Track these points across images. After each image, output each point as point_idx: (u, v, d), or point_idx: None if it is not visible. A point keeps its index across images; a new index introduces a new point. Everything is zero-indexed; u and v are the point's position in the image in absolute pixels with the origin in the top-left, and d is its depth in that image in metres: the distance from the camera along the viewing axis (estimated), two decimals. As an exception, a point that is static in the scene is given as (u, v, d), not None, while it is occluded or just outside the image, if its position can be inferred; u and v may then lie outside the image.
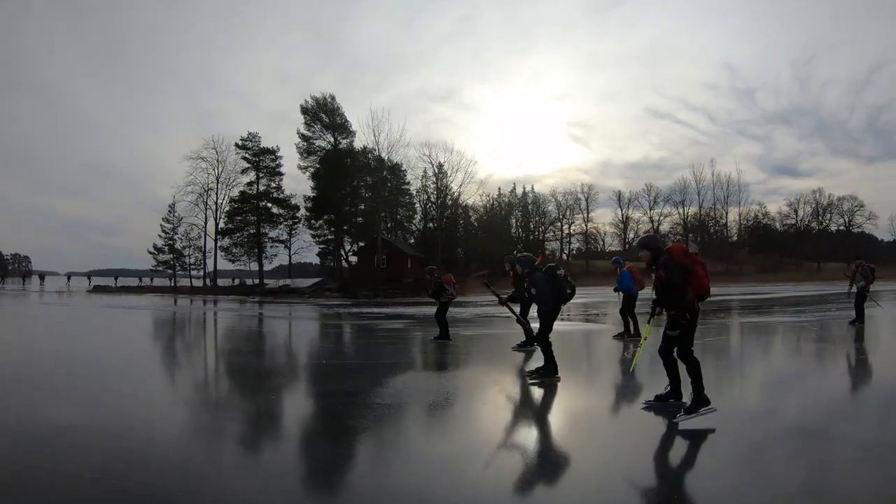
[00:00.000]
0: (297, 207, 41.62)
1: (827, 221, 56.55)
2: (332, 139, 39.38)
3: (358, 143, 39.56)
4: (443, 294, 9.02)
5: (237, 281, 42.26)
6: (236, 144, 39.87)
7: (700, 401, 4.36)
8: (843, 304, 14.78)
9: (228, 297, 31.17)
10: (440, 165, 45.00)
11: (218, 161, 38.53)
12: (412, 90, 79.13)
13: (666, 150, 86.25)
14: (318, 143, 39.73)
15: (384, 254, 36.93)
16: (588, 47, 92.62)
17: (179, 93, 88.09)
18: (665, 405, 4.65)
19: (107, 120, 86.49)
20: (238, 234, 40.17)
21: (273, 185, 40.83)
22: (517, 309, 8.04)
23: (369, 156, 38.90)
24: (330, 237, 42.05)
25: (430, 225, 48.63)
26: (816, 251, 54.85)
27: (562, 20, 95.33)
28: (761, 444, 3.66)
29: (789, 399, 5.17)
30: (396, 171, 43.32)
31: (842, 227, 56.06)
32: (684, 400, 4.58)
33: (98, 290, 39.31)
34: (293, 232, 41.86)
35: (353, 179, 39.72)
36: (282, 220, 41.36)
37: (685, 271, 4.35)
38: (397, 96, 78.13)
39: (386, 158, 38.23)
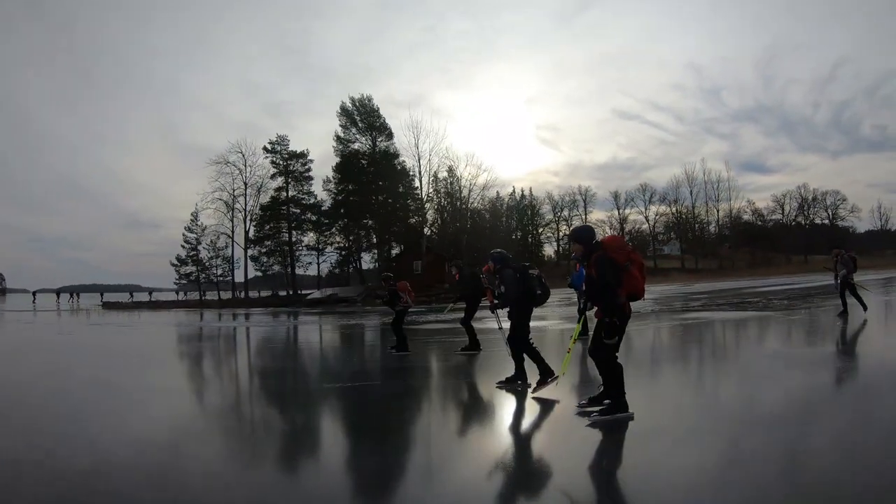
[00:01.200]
0: (330, 213, 40.18)
1: (812, 216, 60.51)
2: (370, 142, 38.41)
3: (397, 146, 38.78)
4: (397, 303, 8.69)
5: (260, 292, 40.46)
6: (264, 148, 38.17)
7: (619, 405, 4.07)
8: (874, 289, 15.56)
9: (284, 310, 29.65)
10: (450, 169, 44.82)
11: (245, 165, 36.80)
12: (380, 98, 78.91)
13: (634, 151, 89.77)
14: (354, 146, 38.64)
15: (428, 258, 36.39)
16: (555, 53, 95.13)
17: (146, 105, 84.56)
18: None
19: (71, 134, 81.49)
20: (269, 242, 38.44)
21: (304, 189, 39.33)
22: (475, 311, 8.07)
23: (399, 160, 38.44)
24: (343, 244, 41.14)
25: (449, 229, 48.37)
26: (805, 245, 58.52)
27: (528, 28, 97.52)
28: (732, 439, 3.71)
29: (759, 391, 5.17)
30: (405, 173, 42.86)
31: (826, 221, 60.14)
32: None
33: (110, 306, 36.63)
34: (323, 239, 40.44)
35: (395, 184, 39.05)
36: (313, 226, 39.83)
37: (619, 270, 3.98)
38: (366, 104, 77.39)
39: (427, 163, 37.72)
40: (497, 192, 62.59)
